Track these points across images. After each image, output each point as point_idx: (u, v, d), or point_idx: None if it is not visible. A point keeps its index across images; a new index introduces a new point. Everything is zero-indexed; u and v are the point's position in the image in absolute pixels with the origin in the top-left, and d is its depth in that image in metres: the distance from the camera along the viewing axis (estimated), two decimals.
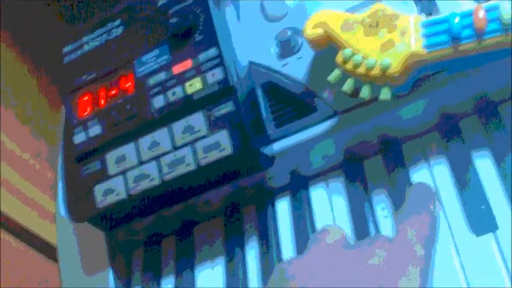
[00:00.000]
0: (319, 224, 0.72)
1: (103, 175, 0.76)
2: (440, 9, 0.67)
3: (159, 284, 0.80)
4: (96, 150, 0.77)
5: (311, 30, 0.69)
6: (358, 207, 0.71)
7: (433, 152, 0.70)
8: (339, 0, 0.72)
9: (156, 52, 0.76)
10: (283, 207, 0.77)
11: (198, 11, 0.74)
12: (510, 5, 0.59)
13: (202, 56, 0.73)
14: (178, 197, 0.77)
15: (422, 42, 0.63)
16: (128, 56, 0.78)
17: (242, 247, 0.76)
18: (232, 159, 0.71)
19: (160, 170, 0.73)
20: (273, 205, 0.77)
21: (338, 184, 0.74)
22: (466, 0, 0.65)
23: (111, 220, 0.79)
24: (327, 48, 0.69)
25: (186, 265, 0.78)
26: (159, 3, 0.77)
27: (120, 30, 0.79)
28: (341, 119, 0.70)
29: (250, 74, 0.75)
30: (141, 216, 0.79)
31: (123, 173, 0.75)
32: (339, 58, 0.66)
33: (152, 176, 0.74)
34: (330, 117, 0.70)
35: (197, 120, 0.72)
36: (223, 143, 0.70)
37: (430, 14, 0.67)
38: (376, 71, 0.63)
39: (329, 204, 0.73)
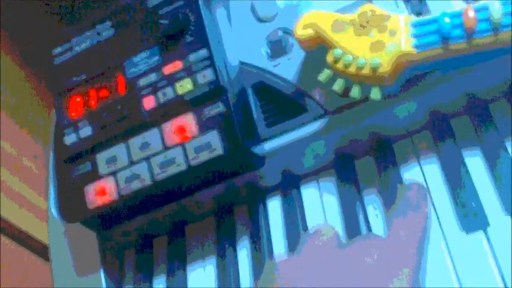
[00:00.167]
0: (310, 223, 0.73)
1: (94, 176, 0.76)
2: (431, 9, 0.67)
3: (151, 284, 0.80)
4: (87, 151, 0.77)
5: (301, 30, 0.69)
6: (350, 206, 0.71)
7: (424, 151, 0.70)
8: (329, 1, 0.72)
9: (146, 53, 0.76)
10: (274, 207, 0.77)
11: (188, 12, 0.74)
12: (500, 5, 0.59)
13: (192, 57, 0.73)
14: (170, 197, 0.77)
15: (413, 42, 0.63)
16: (118, 57, 0.78)
17: (234, 247, 0.76)
18: (223, 160, 0.71)
19: (151, 171, 0.73)
20: (264, 204, 0.77)
21: (329, 183, 0.74)
22: (456, 0, 0.65)
23: (102, 221, 0.79)
24: (318, 49, 0.69)
25: (178, 265, 0.78)
26: (150, 5, 0.77)
27: (110, 31, 0.79)
28: (332, 118, 0.70)
29: (241, 75, 0.75)
30: (132, 216, 0.79)
31: (113, 173, 0.75)
32: (330, 58, 0.66)
33: (143, 177, 0.74)
34: (320, 117, 0.70)
35: (188, 120, 0.72)
36: (214, 143, 0.70)
37: (420, 14, 0.67)
38: (366, 71, 0.64)
39: (320, 203, 0.74)
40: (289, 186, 0.76)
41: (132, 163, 0.75)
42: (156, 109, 0.74)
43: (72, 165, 0.78)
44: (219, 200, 0.79)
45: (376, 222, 0.69)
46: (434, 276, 0.61)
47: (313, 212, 0.73)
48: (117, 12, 0.79)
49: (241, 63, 0.75)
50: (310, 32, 0.68)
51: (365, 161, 0.73)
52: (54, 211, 0.79)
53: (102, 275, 0.81)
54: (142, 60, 0.76)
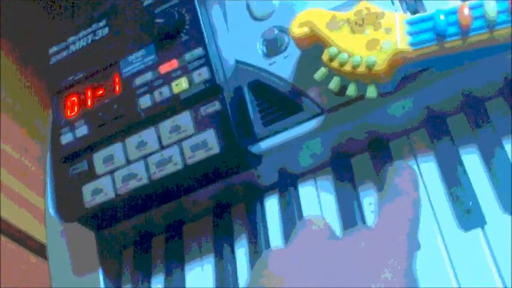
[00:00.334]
0: None
1: (91, 175, 0.76)
2: (426, 6, 0.67)
3: (149, 283, 0.80)
4: (83, 150, 0.77)
5: (297, 28, 0.69)
6: (347, 204, 0.71)
7: (420, 149, 0.70)
8: None
9: (142, 52, 0.76)
10: (272, 206, 0.77)
11: (184, 11, 0.74)
12: (495, 3, 0.59)
13: (188, 56, 0.73)
14: (167, 197, 0.77)
15: (408, 40, 0.63)
16: (114, 56, 0.78)
17: (231, 245, 0.76)
18: (220, 158, 0.71)
19: (148, 170, 0.73)
20: (261, 203, 0.77)
21: (326, 182, 0.74)
22: None
23: (100, 220, 0.79)
24: (314, 47, 0.69)
25: (175, 264, 0.78)
26: (145, 3, 0.77)
27: (106, 30, 0.79)
28: (328, 117, 0.70)
29: (237, 73, 0.74)
30: (129, 215, 0.79)
31: (110, 172, 0.75)
32: (325, 56, 0.66)
33: (140, 176, 0.73)
34: (317, 115, 0.70)
35: (184, 119, 0.72)
36: (210, 142, 0.70)
37: (416, 12, 0.67)
38: (362, 69, 0.63)
39: (318, 201, 0.74)
40: (286, 184, 0.75)
41: (128, 162, 0.75)
42: (152, 108, 0.74)
43: (69, 165, 0.78)
44: (216, 199, 0.79)
45: (373, 219, 0.68)
46: (431, 273, 0.61)
47: (311, 210, 0.73)
48: (112, 11, 0.79)
49: (237, 61, 0.75)
50: (305, 30, 0.68)
51: (362, 159, 0.73)
52: (51, 210, 0.79)
53: (101, 274, 0.81)
54: (138, 59, 0.76)
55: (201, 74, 0.72)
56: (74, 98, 0.79)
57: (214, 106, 0.71)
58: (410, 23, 0.63)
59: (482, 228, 0.62)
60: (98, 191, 0.75)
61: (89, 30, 0.80)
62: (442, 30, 0.61)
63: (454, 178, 0.65)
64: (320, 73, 0.66)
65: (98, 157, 0.76)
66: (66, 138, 0.78)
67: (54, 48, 0.82)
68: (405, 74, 0.66)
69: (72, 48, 0.81)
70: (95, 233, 0.82)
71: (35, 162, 1.30)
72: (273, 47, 0.73)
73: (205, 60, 0.72)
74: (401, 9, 0.68)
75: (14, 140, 1.27)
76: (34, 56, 0.93)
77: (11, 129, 1.26)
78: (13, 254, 1.24)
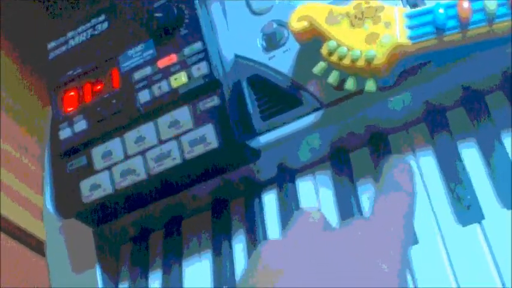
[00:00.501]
0: None
1: (89, 170, 0.76)
2: (425, 0, 0.67)
3: (147, 278, 0.80)
4: (82, 145, 0.77)
5: (296, 23, 0.69)
6: (345, 199, 0.71)
7: (419, 144, 0.70)
8: None
9: (141, 47, 0.76)
10: (270, 200, 0.76)
11: (182, 5, 0.74)
12: None
13: (187, 50, 0.73)
14: (165, 192, 0.77)
15: (407, 34, 0.63)
16: (112, 51, 0.77)
17: (229, 241, 0.76)
18: (218, 153, 0.71)
19: (146, 165, 0.73)
20: (260, 198, 0.77)
21: (325, 176, 0.74)
22: None
23: (98, 215, 0.79)
24: (313, 41, 0.69)
25: (174, 260, 0.78)
26: None
27: (104, 25, 0.79)
28: (327, 111, 0.70)
29: (236, 68, 0.74)
30: (128, 211, 0.79)
31: (109, 168, 0.75)
32: (324, 50, 0.66)
33: (138, 171, 0.73)
34: (316, 109, 0.70)
35: (183, 114, 0.72)
36: (209, 136, 0.70)
37: (415, 6, 0.67)
38: (361, 63, 0.63)
39: (316, 196, 0.73)
40: (285, 179, 0.75)
41: (127, 157, 0.74)
42: (151, 103, 0.74)
43: (68, 160, 0.78)
44: (215, 194, 0.79)
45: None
46: (428, 268, 0.61)
47: (309, 205, 0.73)
48: (111, 6, 0.79)
49: (236, 56, 0.75)
50: (304, 24, 0.68)
51: (361, 154, 0.73)
52: (49, 206, 0.79)
53: (98, 270, 0.81)
54: (136, 54, 0.75)
55: (200, 69, 0.72)
56: (72, 93, 0.79)
57: (213, 101, 0.71)
58: (410, 16, 0.63)
59: (481, 223, 0.62)
60: (96, 186, 0.75)
61: (88, 25, 0.80)
62: (441, 24, 0.61)
63: (452, 173, 0.65)
64: (319, 67, 0.66)
65: (97, 152, 0.76)
66: (64, 133, 0.78)
67: (52, 44, 0.82)
68: (404, 68, 0.66)
69: (71, 43, 0.81)
70: (92, 229, 0.82)
71: (35, 161, 1.30)
72: (272, 41, 0.73)
73: (204, 55, 0.72)
74: (401, 3, 0.68)
75: (13, 139, 1.27)
76: (33, 53, 0.93)
77: (11, 128, 1.25)
78: (13, 251, 1.24)
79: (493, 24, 0.60)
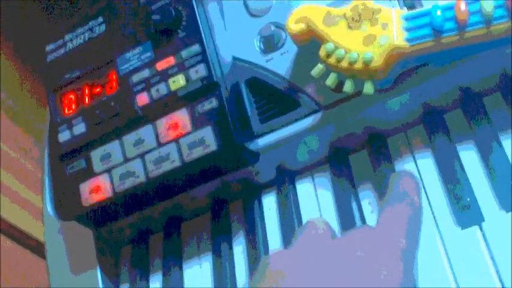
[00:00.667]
0: (305, 219, 0.72)
1: (88, 173, 0.76)
2: (423, 2, 0.67)
3: (147, 281, 0.80)
4: (81, 148, 0.77)
5: (294, 25, 0.69)
6: (345, 201, 0.70)
7: (418, 146, 0.70)
8: None
9: (139, 49, 0.76)
10: (269, 202, 0.76)
11: (180, 8, 0.74)
12: None
13: (185, 53, 0.73)
14: (165, 194, 0.77)
15: (405, 36, 0.63)
16: (111, 54, 0.77)
17: (229, 243, 0.76)
18: (217, 156, 0.70)
19: (145, 167, 0.73)
20: (259, 200, 0.77)
21: (324, 178, 0.74)
22: None
23: (97, 218, 0.79)
24: (311, 43, 0.68)
25: (173, 262, 0.78)
26: (142, 0, 0.77)
27: (102, 27, 0.79)
28: (325, 113, 0.70)
29: (234, 70, 0.74)
30: (127, 213, 0.79)
31: (108, 170, 0.75)
32: (322, 52, 0.66)
33: (138, 173, 0.73)
34: (314, 112, 0.70)
35: (181, 116, 0.72)
36: (207, 139, 0.70)
37: (413, 7, 0.67)
38: (358, 65, 0.63)
39: (315, 198, 0.73)
40: (284, 181, 0.75)
41: (126, 160, 0.74)
42: (149, 105, 0.74)
43: (67, 163, 0.78)
44: (214, 196, 0.79)
45: (371, 216, 0.68)
46: (428, 270, 0.61)
47: (308, 207, 0.73)
48: (109, 8, 0.79)
49: (234, 58, 0.75)
50: (302, 26, 0.68)
51: (359, 156, 0.73)
52: (49, 209, 0.79)
53: (99, 272, 0.81)
54: (134, 56, 0.75)
55: (198, 71, 0.72)
56: (71, 96, 0.79)
57: (212, 103, 0.71)
58: (407, 18, 0.63)
59: (480, 225, 0.61)
60: (96, 189, 0.75)
61: (86, 27, 0.80)
62: (438, 26, 0.61)
63: (451, 174, 0.65)
64: (317, 69, 0.66)
65: (96, 155, 0.76)
66: (63, 136, 0.78)
67: (51, 46, 0.82)
68: (402, 70, 0.66)
69: (69, 45, 0.81)
70: (92, 231, 0.82)
71: (35, 162, 1.30)
72: (270, 43, 0.73)
73: (202, 57, 0.72)
74: (398, 5, 0.68)
75: (13, 141, 1.27)
76: (33, 55, 0.93)
77: (11, 130, 1.26)
78: (13, 253, 1.24)
79: (490, 26, 0.60)
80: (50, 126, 0.80)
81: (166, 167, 0.72)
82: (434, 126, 0.69)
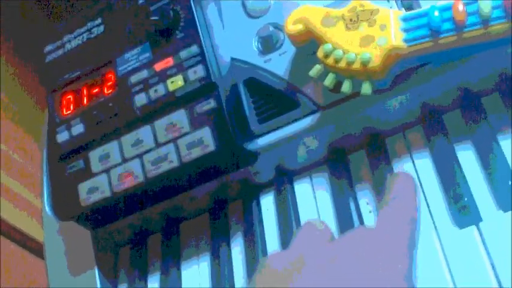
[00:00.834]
0: (303, 219, 0.73)
1: (87, 173, 0.76)
2: (421, 3, 0.67)
3: (145, 281, 0.80)
4: (79, 148, 0.77)
5: (292, 25, 0.69)
6: (343, 201, 0.70)
7: (416, 146, 0.70)
8: None
9: (137, 50, 0.76)
10: (268, 203, 0.76)
11: (179, 9, 0.74)
12: None
13: (183, 53, 0.73)
14: (163, 195, 0.77)
15: (403, 36, 0.63)
16: (109, 54, 0.78)
17: (228, 243, 0.76)
18: (215, 156, 0.71)
19: (143, 168, 0.73)
20: (258, 200, 0.77)
21: (322, 179, 0.74)
22: None
23: (96, 218, 0.79)
24: (309, 44, 0.69)
25: (172, 262, 0.78)
26: (140, 1, 0.77)
27: (101, 28, 0.79)
28: (324, 114, 0.70)
29: (233, 71, 0.74)
30: (126, 214, 0.79)
31: (106, 171, 0.75)
32: (320, 53, 0.66)
33: (136, 174, 0.73)
34: (312, 112, 0.70)
35: (180, 117, 0.72)
36: (206, 139, 0.70)
37: (410, 8, 0.67)
38: (356, 66, 0.63)
39: (314, 198, 0.74)
40: (283, 182, 0.75)
41: (124, 160, 0.74)
42: (147, 106, 0.74)
43: (65, 163, 0.78)
44: (213, 197, 0.79)
45: (369, 217, 0.69)
46: (426, 270, 0.61)
47: (307, 207, 0.73)
48: (107, 9, 0.79)
49: (233, 59, 0.75)
50: (300, 27, 0.68)
51: (358, 156, 0.73)
52: (48, 209, 0.79)
53: (97, 272, 0.81)
54: (133, 57, 0.76)
55: (197, 72, 0.72)
56: (69, 97, 0.79)
57: (210, 104, 0.71)
58: (405, 19, 0.63)
59: (478, 225, 0.61)
60: (94, 190, 0.75)
61: (84, 28, 0.80)
62: (436, 27, 0.61)
63: (449, 175, 0.65)
64: (315, 70, 0.66)
65: (94, 155, 0.76)
66: (62, 136, 0.78)
67: (49, 47, 0.82)
68: (400, 71, 0.66)
69: (68, 46, 0.81)
70: (91, 232, 0.82)
71: (35, 164, 1.30)
72: (269, 44, 0.73)
73: (201, 58, 0.72)
74: (396, 6, 0.68)
75: (13, 142, 1.27)
76: (33, 56, 0.93)
77: (11, 131, 1.26)
78: (13, 254, 1.24)
79: (488, 27, 0.60)
80: (49, 127, 0.80)
81: (165, 167, 0.72)
82: (432, 126, 0.69)
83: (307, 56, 0.69)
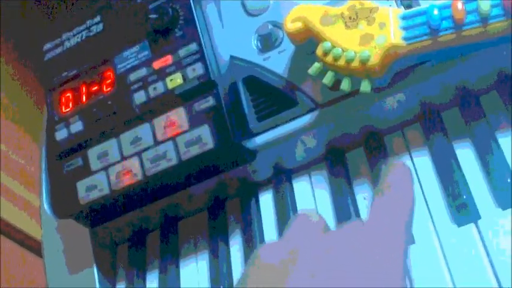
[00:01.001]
0: None
1: (85, 171, 0.76)
2: (420, 1, 0.67)
3: (144, 279, 0.80)
4: (78, 146, 0.77)
5: (291, 24, 0.69)
6: (341, 199, 0.71)
7: (415, 144, 0.70)
8: None
9: (136, 48, 0.76)
10: (266, 201, 0.77)
11: (177, 7, 0.74)
12: None
13: (182, 51, 0.73)
14: (162, 192, 0.77)
15: (402, 35, 0.63)
16: (108, 53, 0.78)
17: (226, 241, 0.76)
18: (214, 154, 0.71)
19: (142, 165, 0.73)
20: (256, 198, 0.77)
21: (321, 177, 0.74)
22: None
23: (94, 216, 0.79)
24: (308, 42, 0.69)
25: (170, 260, 0.78)
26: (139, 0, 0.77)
27: (100, 26, 0.79)
28: (323, 112, 0.70)
29: (232, 69, 0.74)
30: (124, 212, 0.79)
31: (105, 168, 0.75)
32: (319, 51, 0.66)
33: (135, 172, 0.73)
34: (311, 110, 0.70)
35: (178, 115, 0.72)
36: (204, 137, 0.70)
37: (410, 7, 0.67)
38: (355, 64, 0.63)
39: (312, 196, 0.74)
40: (281, 179, 0.76)
41: (123, 158, 0.74)
42: (146, 104, 0.74)
43: (64, 161, 0.78)
44: (211, 195, 0.79)
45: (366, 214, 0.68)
46: (424, 268, 0.61)
47: (305, 205, 0.73)
48: (106, 7, 0.79)
49: (232, 57, 0.75)
50: (299, 25, 0.68)
51: (356, 154, 0.73)
52: (46, 207, 0.79)
53: (95, 270, 0.81)
54: (132, 55, 0.76)
55: (195, 70, 0.72)
56: (68, 94, 0.79)
57: (209, 102, 0.71)
58: (404, 17, 0.64)
59: (476, 222, 0.62)
60: (93, 187, 0.75)
61: (83, 26, 0.80)
62: (435, 25, 0.61)
63: (448, 172, 0.65)
64: (314, 68, 0.66)
65: (93, 153, 0.76)
66: (60, 134, 0.78)
67: (48, 45, 0.82)
68: (399, 69, 0.66)
69: (67, 44, 0.81)
70: (89, 230, 0.82)
71: (35, 164, 1.30)
72: (268, 42, 0.73)
73: (200, 56, 0.72)
74: (395, 4, 0.68)
75: (13, 142, 1.27)
76: (33, 55, 0.93)
77: (11, 131, 1.26)
78: (12, 253, 1.24)
79: (487, 25, 0.60)
80: (47, 125, 0.80)
81: (163, 165, 0.72)
82: (431, 124, 0.69)
83: (306, 54, 0.69)
